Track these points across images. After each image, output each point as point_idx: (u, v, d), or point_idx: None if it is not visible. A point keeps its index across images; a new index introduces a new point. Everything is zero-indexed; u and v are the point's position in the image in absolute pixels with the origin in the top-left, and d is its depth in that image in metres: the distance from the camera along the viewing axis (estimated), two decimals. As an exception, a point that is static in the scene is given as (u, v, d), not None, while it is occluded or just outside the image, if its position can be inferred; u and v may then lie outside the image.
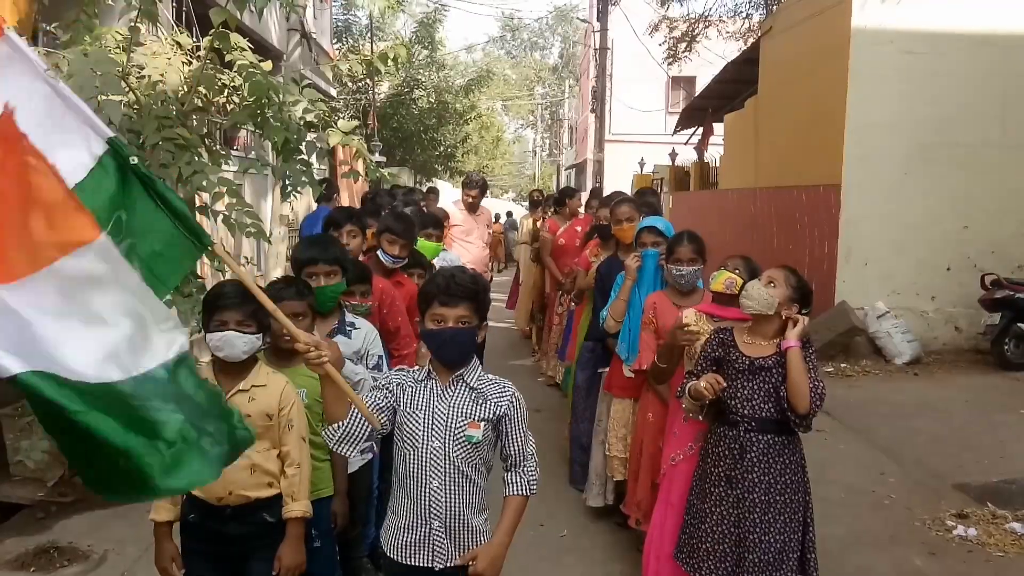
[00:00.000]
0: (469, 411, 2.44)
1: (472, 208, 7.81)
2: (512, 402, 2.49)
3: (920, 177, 9.12)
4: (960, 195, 9.14)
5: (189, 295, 4.23)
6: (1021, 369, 8.24)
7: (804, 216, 10.13)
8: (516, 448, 2.50)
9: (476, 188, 7.84)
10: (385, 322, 3.81)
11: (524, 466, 2.51)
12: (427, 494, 2.42)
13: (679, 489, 3.40)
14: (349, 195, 15.19)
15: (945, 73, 9.03)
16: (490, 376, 2.55)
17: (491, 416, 2.46)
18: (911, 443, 6.14)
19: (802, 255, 9.99)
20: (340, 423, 2.39)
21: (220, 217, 4.17)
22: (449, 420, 2.43)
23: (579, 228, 7.17)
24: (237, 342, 2.62)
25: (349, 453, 2.47)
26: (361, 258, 4.21)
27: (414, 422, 2.45)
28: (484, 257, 7.93)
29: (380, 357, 3.46)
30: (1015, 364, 8.30)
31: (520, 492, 2.49)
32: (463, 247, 7.59)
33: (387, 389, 2.50)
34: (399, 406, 2.48)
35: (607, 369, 4.66)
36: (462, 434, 2.42)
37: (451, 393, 2.46)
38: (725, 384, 3.00)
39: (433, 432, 2.43)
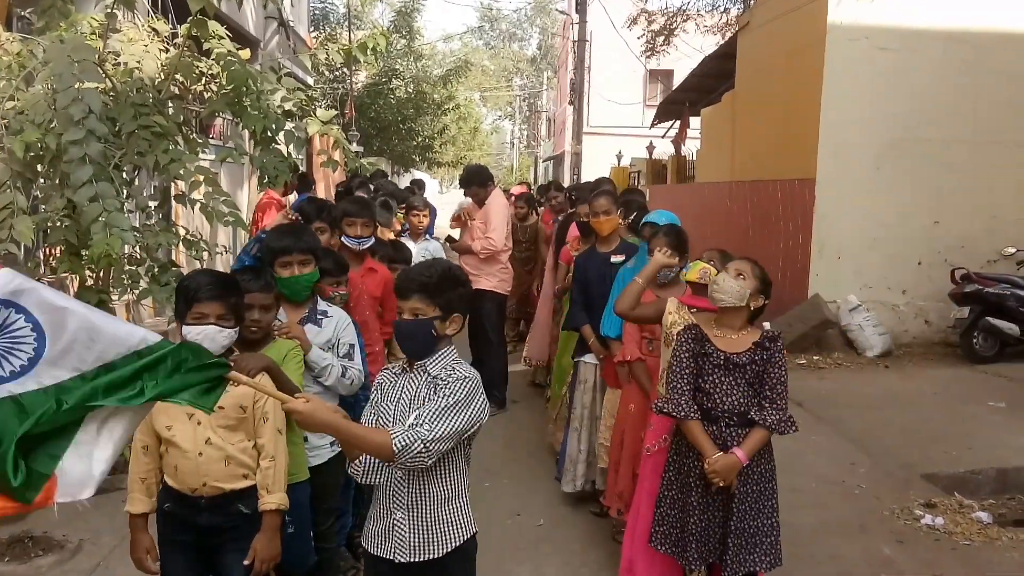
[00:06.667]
0: (423, 397, 2.39)
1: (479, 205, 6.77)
2: (451, 379, 2.36)
3: (892, 172, 9.24)
4: (931, 190, 9.27)
5: (166, 284, 4.20)
6: (989, 362, 8.39)
7: (779, 210, 10.22)
8: (424, 413, 2.28)
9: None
10: (352, 315, 3.80)
11: (416, 430, 2.23)
12: (390, 484, 2.42)
13: (653, 479, 3.45)
14: (326, 185, 15.08)
15: (918, 69, 9.14)
16: (456, 363, 2.45)
17: None
18: (881, 434, 6.24)
19: (776, 248, 10.09)
20: (361, 459, 2.39)
21: (197, 205, 4.14)
22: (409, 409, 2.38)
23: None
24: (218, 336, 2.58)
25: (377, 481, 2.46)
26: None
27: (384, 416, 2.45)
28: (487, 268, 6.54)
29: (351, 346, 3.42)
30: (983, 357, 8.45)
31: (392, 437, 2.21)
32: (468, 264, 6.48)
33: (371, 402, 2.52)
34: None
35: (583, 358, 4.75)
36: None
37: (414, 383, 2.45)
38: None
39: (396, 423, 2.39)
